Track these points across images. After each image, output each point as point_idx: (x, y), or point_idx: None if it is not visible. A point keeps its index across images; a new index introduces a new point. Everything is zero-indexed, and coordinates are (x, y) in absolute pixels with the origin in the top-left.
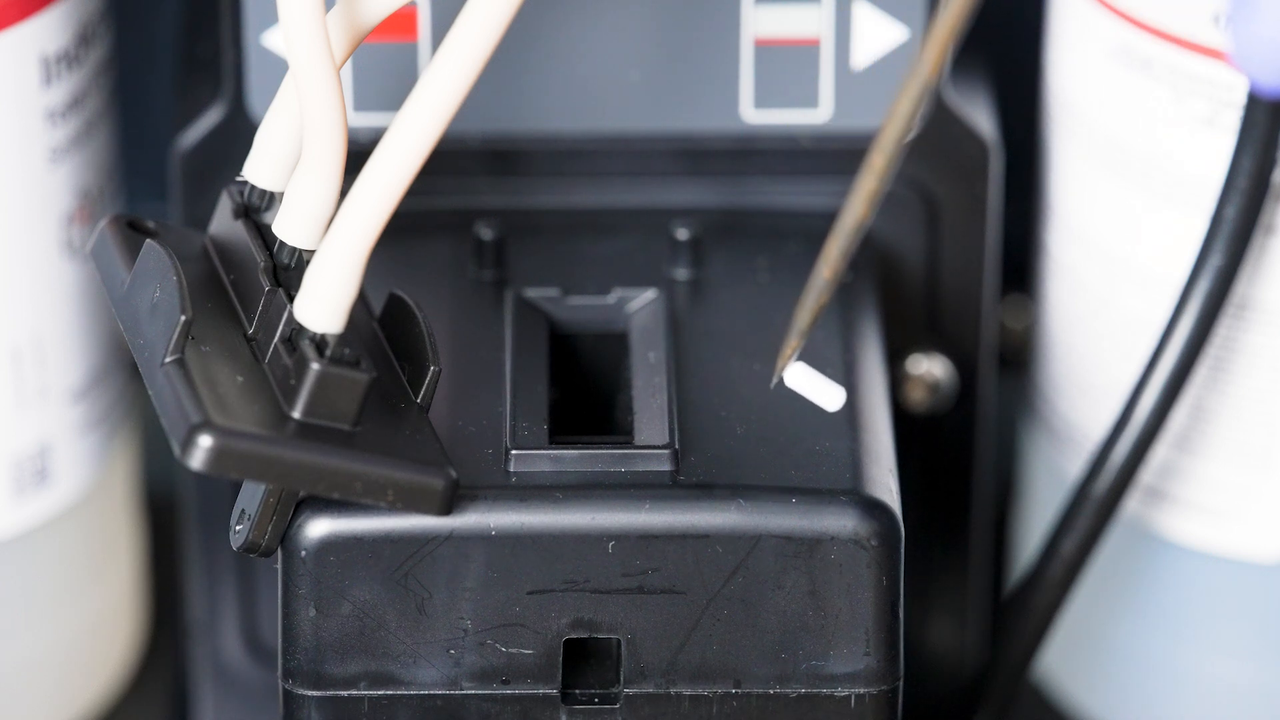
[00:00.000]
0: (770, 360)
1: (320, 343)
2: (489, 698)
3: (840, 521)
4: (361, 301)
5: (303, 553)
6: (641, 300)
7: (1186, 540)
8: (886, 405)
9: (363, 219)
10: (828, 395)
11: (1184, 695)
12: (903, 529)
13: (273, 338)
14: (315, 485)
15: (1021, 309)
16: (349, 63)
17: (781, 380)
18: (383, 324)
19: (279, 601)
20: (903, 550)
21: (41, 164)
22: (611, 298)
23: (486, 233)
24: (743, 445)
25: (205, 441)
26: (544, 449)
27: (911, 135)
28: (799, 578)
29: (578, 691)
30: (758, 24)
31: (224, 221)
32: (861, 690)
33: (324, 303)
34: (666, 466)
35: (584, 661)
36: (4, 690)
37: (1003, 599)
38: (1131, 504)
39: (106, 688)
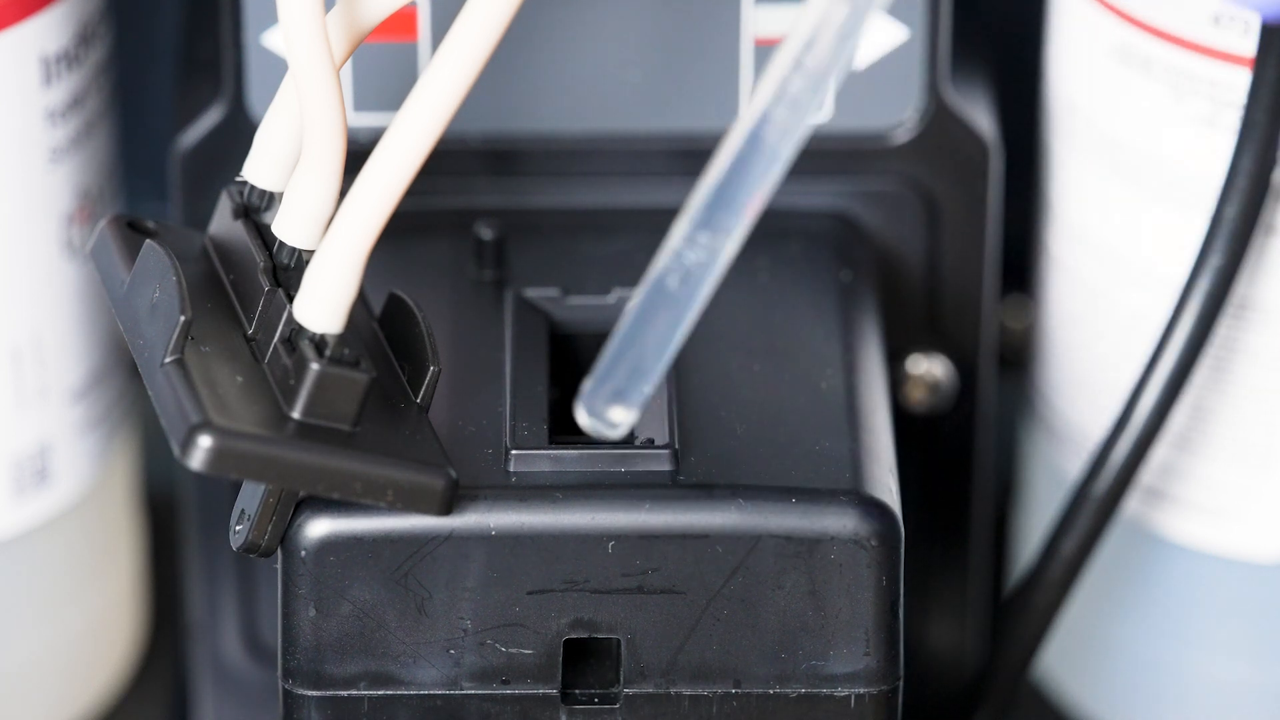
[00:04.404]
0: (770, 360)
1: (320, 343)
2: (489, 698)
3: (840, 521)
4: (361, 301)
5: (303, 553)
6: None
7: (1186, 540)
8: (886, 405)
9: (363, 219)
10: None
11: (1184, 695)
12: (903, 529)
13: (272, 338)
14: (315, 485)
15: (1021, 309)
16: (349, 63)
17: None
18: (383, 324)
19: (279, 601)
20: (903, 550)
21: (41, 164)
22: (611, 298)
23: (486, 233)
24: (743, 445)
25: (205, 442)
26: (544, 449)
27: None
28: (799, 578)
29: (578, 691)
30: (758, 24)
31: (224, 221)
32: (861, 690)
33: (324, 303)
34: (666, 466)
35: (584, 661)
36: (4, 690)
37: (1003, 599)
38: (1131, 504)
39: (106, 688)
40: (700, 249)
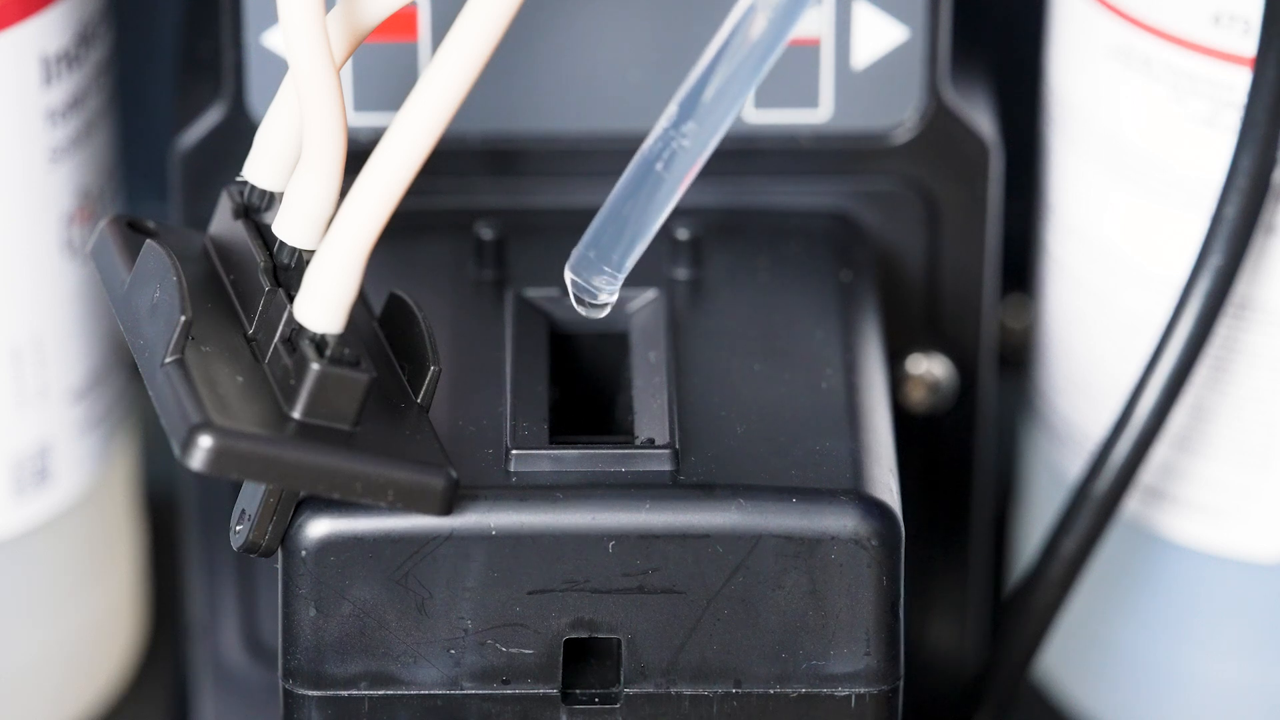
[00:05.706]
0: (770, 360)
1: (320, 343)
2: (489, 698)
3: (840, 521)
4: (361, 301)
5: (303, 553)
6: (641, 300)
7: (1186, 540)
8: (886, 405)
9: (363, 219)
10: None
11: (1184, 695)
12: (903, 529)
13: (273, 338)
14: (315, 485)
15: (1021, 309)
16: (349, 63)
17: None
18: (383, 324)
19: (279, 601)
20: (903, 550)
21: (41, 164)
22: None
23: (486, 233)
24: (743, 445)
25: (205, 442)
26: (544, 449)
27: None
28: (799, 578)
29: (578, 691)
30: None
31: (224, 221)
32: (862, 690)
33: (324, 303)
34: (667, 466)
35: (584, 661)
36: (4, 690)
37: (1003, 599)
38: (1131, 504)
39: (106, 688)
40: (685, 137)
